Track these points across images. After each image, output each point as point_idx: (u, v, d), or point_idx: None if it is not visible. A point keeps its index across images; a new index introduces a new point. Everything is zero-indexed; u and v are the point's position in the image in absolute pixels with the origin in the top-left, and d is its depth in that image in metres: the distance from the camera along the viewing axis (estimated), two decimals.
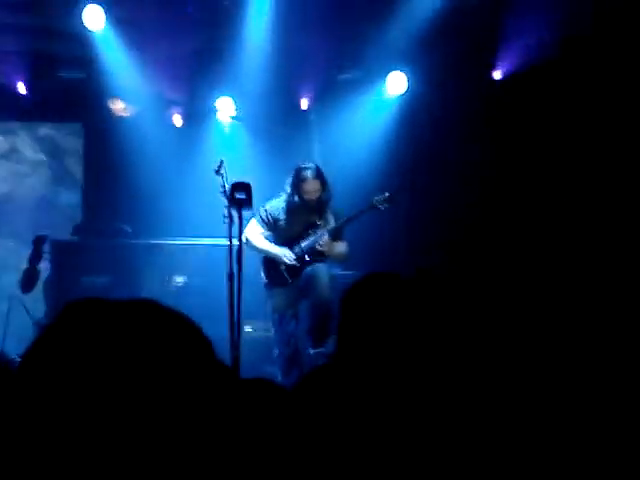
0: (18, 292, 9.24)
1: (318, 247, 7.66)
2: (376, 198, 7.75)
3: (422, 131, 9.42)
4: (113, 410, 1.26)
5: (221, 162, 7.17)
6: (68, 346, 1.31)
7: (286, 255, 7.70)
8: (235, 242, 6.81)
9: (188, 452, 1.29)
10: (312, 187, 7.60)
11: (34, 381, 1.30)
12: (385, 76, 9.65)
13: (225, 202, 6.94)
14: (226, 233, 6.89)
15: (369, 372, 2.29)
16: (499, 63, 9.33)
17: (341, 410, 2.24)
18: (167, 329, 1.35)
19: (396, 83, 9.64)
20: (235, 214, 6.85)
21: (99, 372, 1.28)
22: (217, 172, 7.13)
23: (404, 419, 2.18)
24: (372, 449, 2.14)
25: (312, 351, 7.47)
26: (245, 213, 7.01)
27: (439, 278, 2.43)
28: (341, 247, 7.80)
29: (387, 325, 2.34)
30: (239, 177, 6.98)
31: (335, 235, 7.77)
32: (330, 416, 2.26)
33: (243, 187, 6.85)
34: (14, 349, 8.29)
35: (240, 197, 6.78)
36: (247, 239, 7.52)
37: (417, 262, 8.55)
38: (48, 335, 1.34)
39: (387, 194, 7.76)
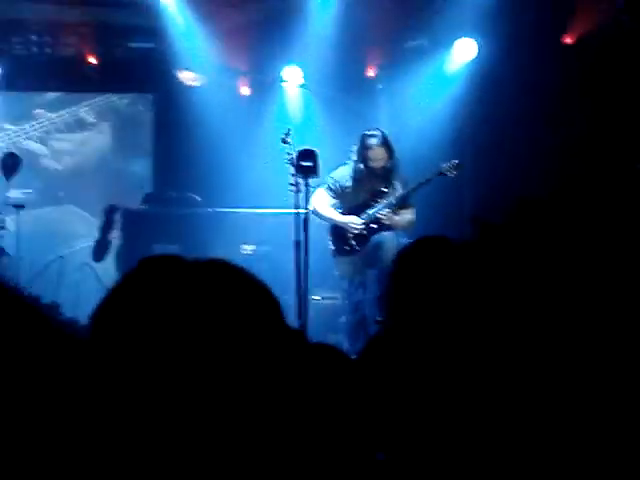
0: (90, 261, 9.41)
1: (380, 216, 7.63)
2: (444, 165, 7.69)
3: (491, 99, 9.30)
4: (185, 366, 1.28)
5: (288, 130, 7.19)
6: (141, 300, 1.33)
7: (353, 223, 7.69)
8: (302, 210, 6.83)
9: (255, 411, 1.31)
10: (378, 154, 7.57)
11: (107, 336, 1.32)
12: (452, 44, 9.54)
13: (292, 170, 6.97)
14: (293, 201, 6.92)
15: (422, 338, 2.29)
16: (571, 29, 9.17)
17: (398, 377, 2.25)
18: (238, 288, 1.37)
19: (465, 50, 9.54)
20: (302, 182, 6.86)
21: (171, 327, 1.30)
22: (284, 141, 7.15)
23: (457, 384, 2.18)
24: (428, 415, 2.15)
25: (379, 319, 7.47)
26: (312, 181, 7.03)
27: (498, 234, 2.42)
28: (406, 215, 7.76)
29: (438, 290, 2.34)
30: (306, 145, 6.99)
31: (402, 203, 7.74)
32: (388, 382, 2.27)
33: (310, 155, 6.87)
34: (87, 317, 8.45)
35: (307, 165, 6.80)
36: (314, 208, 7.52)
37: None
38: (121, 288, 1.37)
39: (455, 161, 7.70)
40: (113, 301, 1.35)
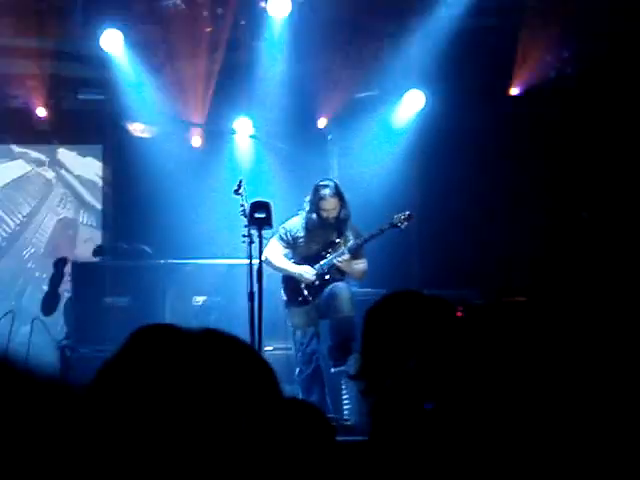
0: (40, 314, 9.28)
1: (337, 263, 7.66)
2: (396, 216, 7.74)
3: (439, 149, 9.42)
4: (181, 436, 1.27)
5: (240, 182, 7.21)
6: (137, 372, 1.32)
7: (306, 273, 7.70)
8: (255, 261, 6.83)
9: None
10: (331, 205, 7.61)
11: (103, 406, 1.31)
12: (402, 95, 9.67)
13: (245, 222, 6.97)
14: (246, 253, 6.92)
15: (395, 388, 2.30)
16: (516, 80, 9.34)
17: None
18: (234, 358, 1.36)
19: (413, 101, 9.66)
20: (255, 233, 6.87)
21: (166, 398, 1.29)
22: (236, 192, 7.17)
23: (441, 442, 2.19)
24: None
25: (334, 369, 7.46)
26: (265, 232, 7.04)
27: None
28: (360, 265, 7.80)
29: (411, 342, 2.35)
30: (259, 197, 7.01)
31: (355, 253, 7.77)
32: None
33: (263, 206, 6.88)
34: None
35: (260, 216, 6.81)
36: (267, 258, 7.52)
37: (432, 279, 8.51)
38: (117, 361, 1.36)
39: (407, 213, 7.75)
40: (109, 373, 1.34)
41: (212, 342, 1.37)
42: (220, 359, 1.34)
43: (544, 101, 9.12)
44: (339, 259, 7.65)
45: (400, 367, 2.31)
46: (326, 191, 7.60)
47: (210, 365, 1.32)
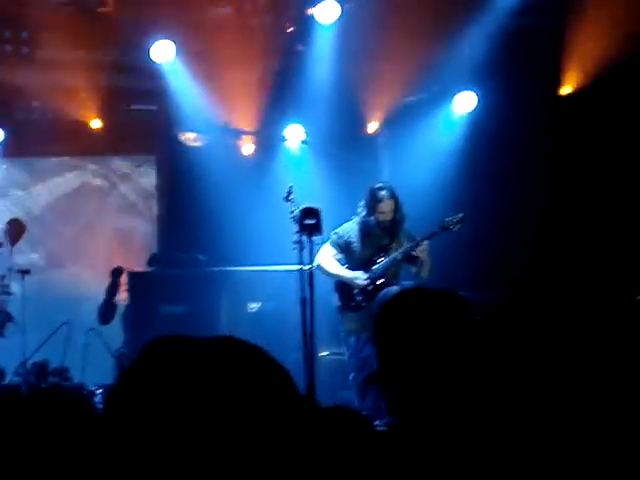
0: (96, 324, 9.39)
1: (414, 254, 7.59)
2: (448, 219, 7.69)
3: (491, 150, 9.35)
4: (197, 449, 1.28)
5: (290, 189, 7.23)
6: (151, 385, 1.33)
7: (359, 278, 7.69)
8: (306, 267, 6.84)
9: None
10: (388, 207, 7.60)
11: (119, 421, 1.32)
12: (451, 97, 9.63)
13: (295, 228, 6.99)
14: (297, 259, 6.93)
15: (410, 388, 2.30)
16: (565, 79, 9.25)
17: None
18: (247, 365, 1.36)
19: (465, 102, 9.62)
20: (305, 239, 6.88)
21: (182, 411, 1.29)
22: (287, 199, 7.19)
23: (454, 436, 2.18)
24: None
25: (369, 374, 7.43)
26: (315, 238, 7.04)
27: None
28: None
29: (423, 339, 2.35)
30: (309, 203, 7.02)
31: (409, 257, 7.74)
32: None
33: (313, 213, 6.89)
34: (93, 381, 8.43)
35: (310, 222, 6.82)
36: (320, 264, 7.52)
37: (483, 282, 8.44)
38: (132, 374, 1.36)
39: (460, 215, 7.69)
40: (125, 387, 1.35)
41: (226, 350, 1.37)
42: (234, 367, 1.34)
43: (595, 100, 9.01)
44: (420, 247, 7.56)
45: (415, 365, 2.31)
46: (383, 193, 7.60)
47: (224, 374, 1.32)
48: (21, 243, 9.65)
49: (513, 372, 2.31)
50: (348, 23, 9.07)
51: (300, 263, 6.90)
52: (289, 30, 9.39)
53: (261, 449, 1.29)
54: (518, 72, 9.11)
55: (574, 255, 9.04)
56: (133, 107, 10.17)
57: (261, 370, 1.36)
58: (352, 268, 7.76)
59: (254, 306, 9.10)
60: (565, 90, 9.28)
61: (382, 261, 7.73)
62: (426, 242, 7.57)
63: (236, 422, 1.29)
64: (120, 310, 9.51)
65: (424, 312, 2.38)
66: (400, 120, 9.76)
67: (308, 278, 6.85)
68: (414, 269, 7.75)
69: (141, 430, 1.28)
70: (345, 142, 9.87)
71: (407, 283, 7.84)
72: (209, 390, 1.30)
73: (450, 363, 2.30)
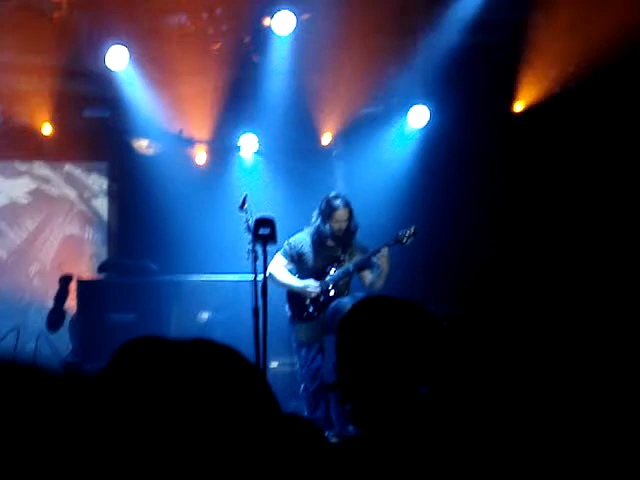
0: (45, 331, 9.28)
1: (375, 260, 7.61)
2: (401, 233, 7.73)
3: (443, 164, 9.43)
4: (172, 450, 1.27)
5: (245, 198, 7.22)
6: (125, 387, 1.32)
7: (310, 286, 7.70)
8: (260, 277, 6.83)
9: None
10: (343, 216, 7.65)
11: (92, 423, 1.31)
12: (406, 110, 9.69)
13: (249, 237, 6.97)
14: (250, 268, 6.92)
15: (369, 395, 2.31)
16: (519, 96, 9.35)
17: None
18: (223, 367, 1.36)
19: (418, 116, 9.69)
20: (259, 249, 6.87)
21: (158, 412, 1.28)
22: (241, 208, 7.18)
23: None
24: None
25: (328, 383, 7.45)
26: (269, 248, 7.04)
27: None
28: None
29: (383, 347, 2.37)
30: (263, 213, 7.02)
31: (361, 268, 7.77)
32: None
33: (267, 222, 6.88)
34: None
35: (264, 232, 6.81)
36: (271, 274, 7.52)
37: (434, 295, 8.50)
38: (105, 377, 1.35)
39: (412, 228, 7.73)
40: (100, 388, 1.34)
41: (201, 352, 1.36)
42: (209, 369, 1.34)
43: (547, 117, 9.12)
44: (377, 256, 7.59)
45: (374, 373, 2.32)
46: (339, 202, 7.64)
47: (199, 375, 1.32)
48: None
49: (474, 379, 2.34)
50: (304, 35, 9.09)
51: (254, 273, 6.89)
52: (245, 40, 9.38)
53: (238, 452, 1.29)
54: (472, 88, 9.18)
55: (525, 270, 9.13)
56: (86, 113, 10.07)
57: (237, 372, 1.36)
58: (304, 278, 7.78)
59: (205, 315, 9.05)
60: (518, 107, 9.39)
61: (334, 272, 7.76)
62: (386, 249, 7.60)
63: (212, 423, 1.29)
64: (68, 318, 9.42)
65: (387, 320, 2.39)
66: (354, 132, 9.81)
67: (261, 288, 6.83)
68: (370, 277, 7.78)
69: (115, 432, 1.27)
70: (299, 153, 9.91)
71: (359, 294, 7.88)
72: (185, 391, 1.30)
73: (413, 371, 2.31)
